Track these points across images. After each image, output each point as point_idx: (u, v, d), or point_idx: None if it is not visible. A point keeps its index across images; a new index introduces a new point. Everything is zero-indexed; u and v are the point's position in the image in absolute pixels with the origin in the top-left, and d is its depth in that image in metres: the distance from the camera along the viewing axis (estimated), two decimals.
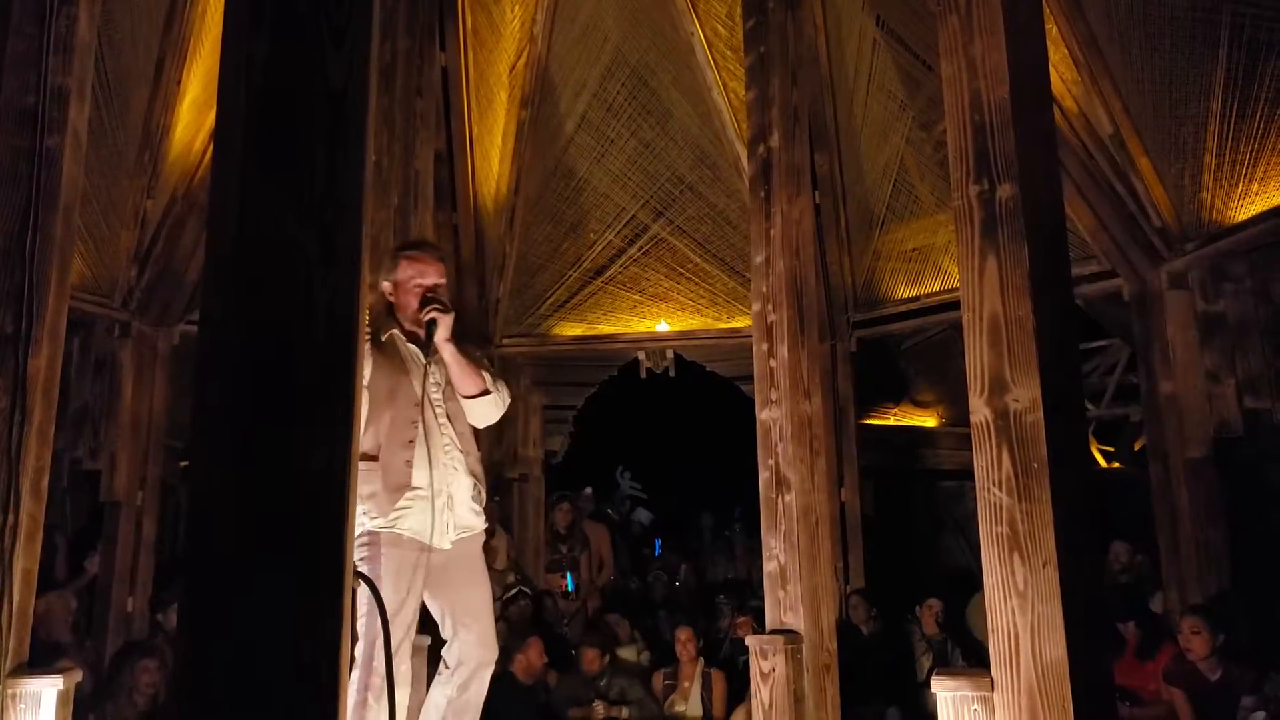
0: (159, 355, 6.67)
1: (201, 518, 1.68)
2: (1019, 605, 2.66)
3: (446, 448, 3.19)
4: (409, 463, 3.09)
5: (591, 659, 6.10)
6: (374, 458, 3.05)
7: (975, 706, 2.71)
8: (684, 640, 5.98)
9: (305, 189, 1.77)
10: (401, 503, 3.08)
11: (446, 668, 3.25)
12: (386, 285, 3.25)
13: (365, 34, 1.90)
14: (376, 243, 5.20)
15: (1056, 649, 2.60)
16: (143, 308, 6.53)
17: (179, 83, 6.12)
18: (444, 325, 3.13)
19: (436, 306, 3.14)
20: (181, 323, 6.70)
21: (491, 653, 3.30)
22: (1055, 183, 2.97)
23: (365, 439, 3.01)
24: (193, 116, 6.32)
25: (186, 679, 1.61)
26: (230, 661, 1.56)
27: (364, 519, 3.01)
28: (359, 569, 2.96)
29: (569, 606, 7.52)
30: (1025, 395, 2.71)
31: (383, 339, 3.20)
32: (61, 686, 3.01)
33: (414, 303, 3.20)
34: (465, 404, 3.27)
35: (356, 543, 3.00)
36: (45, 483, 3.20)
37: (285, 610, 1.62)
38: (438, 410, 3.20)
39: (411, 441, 3.09)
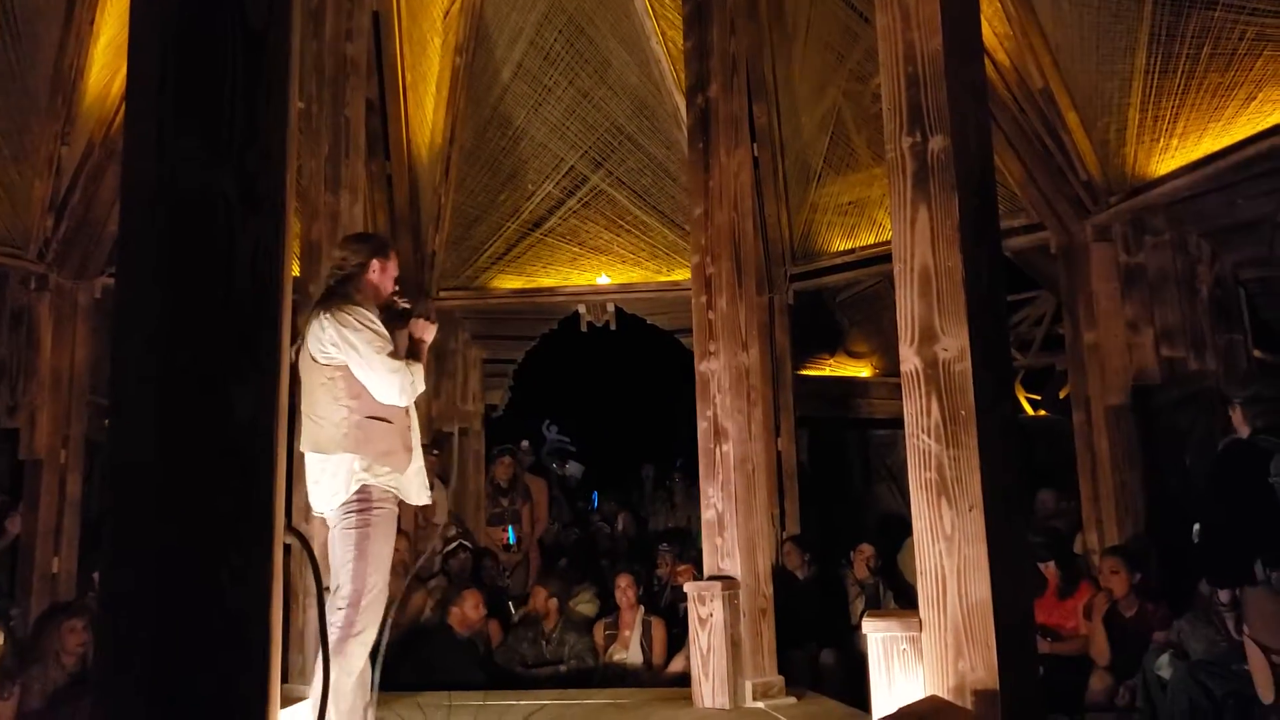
0: (79, 309, 6.45)
1: (123, 472, 1.65)
2: (946, 548, 2.74)
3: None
4: (409, 428, 3.50)
5: (540, 595, 6.16)
6: (388, 420, 3.40)
7: (904, 646, 2.80)
8: (624, 587, 6.02)
9: (224, 134, 1.72)
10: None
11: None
12: (377, 266, 3.61)
13: None
14: (305, 192, 5.08)
15: (981, 589, 2.69)
16: (60, 260, 6.30)
17: (92, 22, 5.85)
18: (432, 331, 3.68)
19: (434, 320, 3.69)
20: (103, 275, 6.48)
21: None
22: (986, 136, 3.01)
23: (372, 403, 3.36)
24: (109, 58, 6.06)
25: (113, 636, 1.59)
26: (158, 617, 1.55)
27: (366, 475, 3.33)
28: (357, 518, 3.29)
29: (511, 559, 7.55)
30: (954, 344, 2.77)
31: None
32: None
33: (389, 287, 3.66)
34: None
35: (358, 496, 3.31)
36: None
37: (213, 563, 1.61)
38: None
39: (408, 411, 3.51)
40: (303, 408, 3.49)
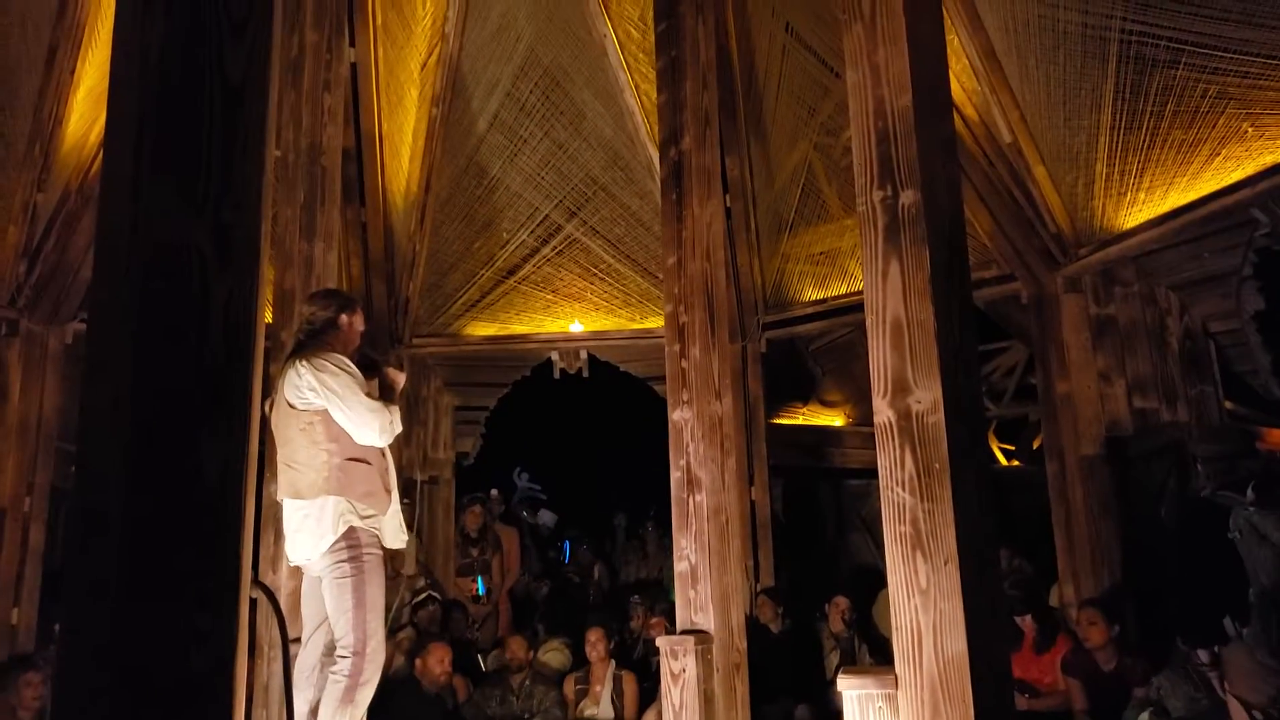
0: (49, 355, 6.37)
1: (88, 525, 1.61)
2: (921, 603, 2.72)
3: None
4: (387, 470, 3.60)
5: (520, 646, 6.07)
6: (368, 461, 3.48)
7: (880, 704, 2.77)
8: (594, 641, 5.94)
9: (200, 186, 1.71)
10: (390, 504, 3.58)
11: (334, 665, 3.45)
12: (346, 320, 3.72)
13: (266, 28, 1.85)
14: (280, 240, 5.07)
15: (958, 644, 2.66)
16: (32, 305, 6.23)
17: (73, 72, 5.85)
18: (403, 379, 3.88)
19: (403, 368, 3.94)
20: (75, 321, 6.42)
21: None
22: (956, 189, 3.05)
23: (351, 445, 3.43)
24: (88, 108, 6.06)
25: (71, 696, 1.55)
26: (118, 677, 1.51)
27: (352, 516, 3.39)
28: (350, 566, 3.34)
29: (480, 610, 7.44)
30: (927, 397, 2.77)
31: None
32: None
33: (356, 341, 3.76)
34: None
35: (347, 541, 3.37)
36: None
37: (177, 623, 1.57)
38: None
39: (384, 453, 3.60)
40: (279, 457, 3.51)
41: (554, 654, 6.56)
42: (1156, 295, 5.92)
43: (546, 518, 11.18)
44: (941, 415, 2.74)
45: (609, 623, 6.42)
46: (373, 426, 3.40)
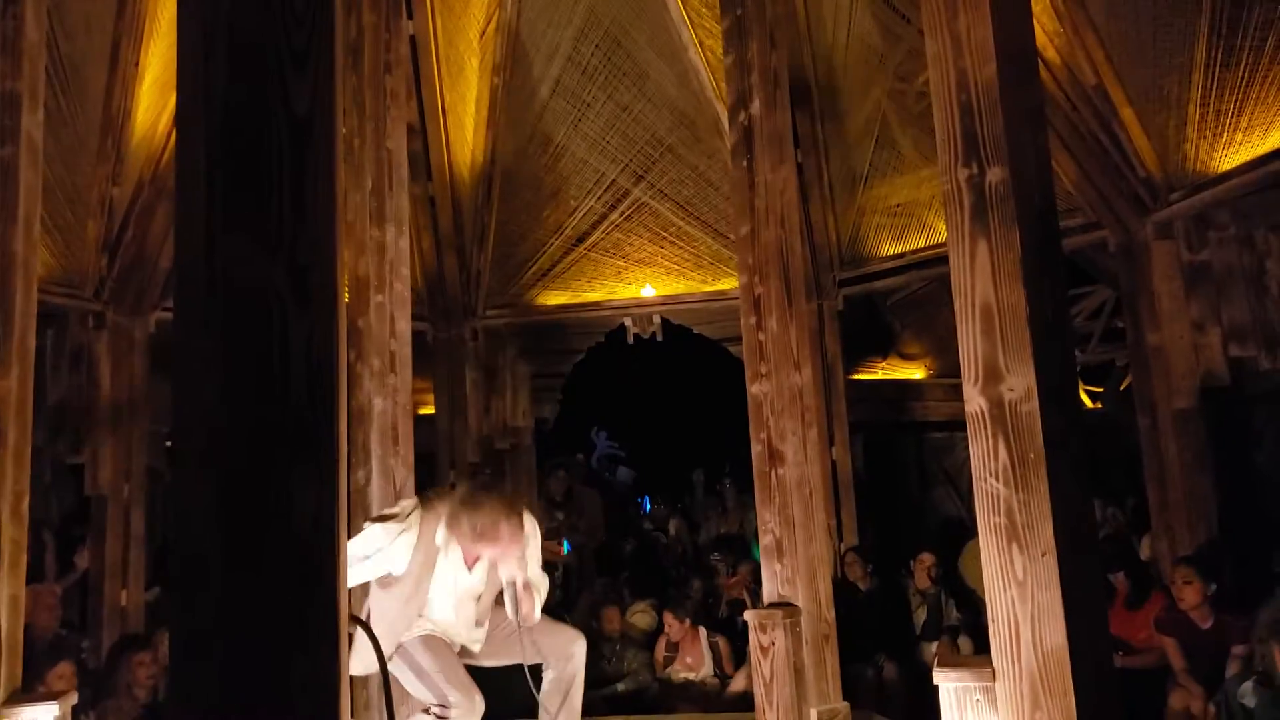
0: (136, 344, 6.52)
1: (185, 573, 1.63)
2: (1018, 595, 2.65)
3: None
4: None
5: (614, 618, 6.16)
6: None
7: (978, 697, 2.72)
8: (671, 623, 6.00)
9: (273, 227, 1.69)
10: None
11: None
12: None
13: (328, 56, 1.81)
14: (351, 227, 5.09)
15: (1057, 636, 2.59)
16: (116, 297, 6.38)
17: (137, 64, 5.92)
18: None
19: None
20: (157, 310, 6.57)
21: None
22: (1045, 163, 2.89)
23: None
24: (154, 98, 6.13)
25: None
26: None
27: None
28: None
29: (568, 558, 7.62)
30: (1020, 384, 2.66)
31: None
32: (58, 712, 2.98)
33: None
34: None
35: None
36: (25, 506, 3.13)
37: (279, 668, 1.59)
38: None
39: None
40: None
41: (641, 615, 6.65)
42: (1255, 239, 5.61)
43: (625, 474, 11.31)
44: (1036, 403, 2.63)
45: (680, 599, 6.47)
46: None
